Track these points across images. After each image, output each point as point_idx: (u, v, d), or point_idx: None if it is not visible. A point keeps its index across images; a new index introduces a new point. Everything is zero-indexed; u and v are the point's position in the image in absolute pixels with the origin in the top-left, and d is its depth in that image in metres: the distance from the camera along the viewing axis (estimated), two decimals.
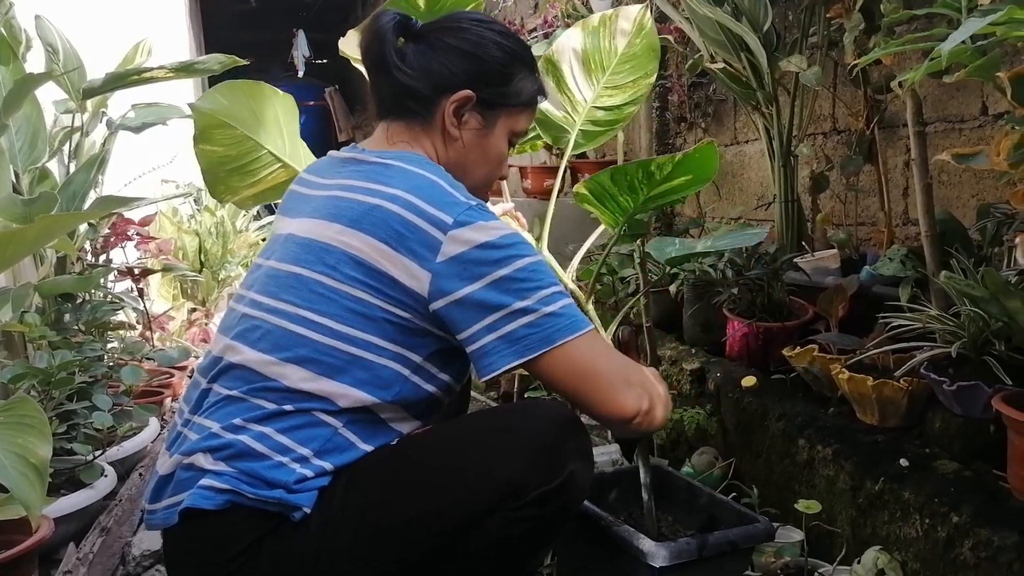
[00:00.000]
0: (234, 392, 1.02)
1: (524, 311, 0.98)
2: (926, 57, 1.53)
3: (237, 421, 0.99)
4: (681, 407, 1.90)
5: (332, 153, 1.20)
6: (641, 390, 1.01)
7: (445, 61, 1.12)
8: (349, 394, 1.00)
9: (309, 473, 0.98)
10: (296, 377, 1.00)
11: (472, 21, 1.17)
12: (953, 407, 1.30)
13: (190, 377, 2.60)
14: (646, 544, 1.17)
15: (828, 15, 1.89)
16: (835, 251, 1.82)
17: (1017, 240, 1.30)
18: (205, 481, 0.97)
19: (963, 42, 1.17)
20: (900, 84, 1.46)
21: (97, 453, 1.60)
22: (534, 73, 1.20)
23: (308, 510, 0.98)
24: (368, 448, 1.02)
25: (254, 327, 1.05)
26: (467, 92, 1.12)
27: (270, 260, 1.10)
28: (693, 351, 2.02)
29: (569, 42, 1.56)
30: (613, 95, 1.57)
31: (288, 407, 1.00)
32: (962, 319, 1.29)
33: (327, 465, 0.99)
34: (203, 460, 0.98)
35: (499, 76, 1.15)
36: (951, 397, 1.29)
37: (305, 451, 0.99)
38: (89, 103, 2.14)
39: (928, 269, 1.46)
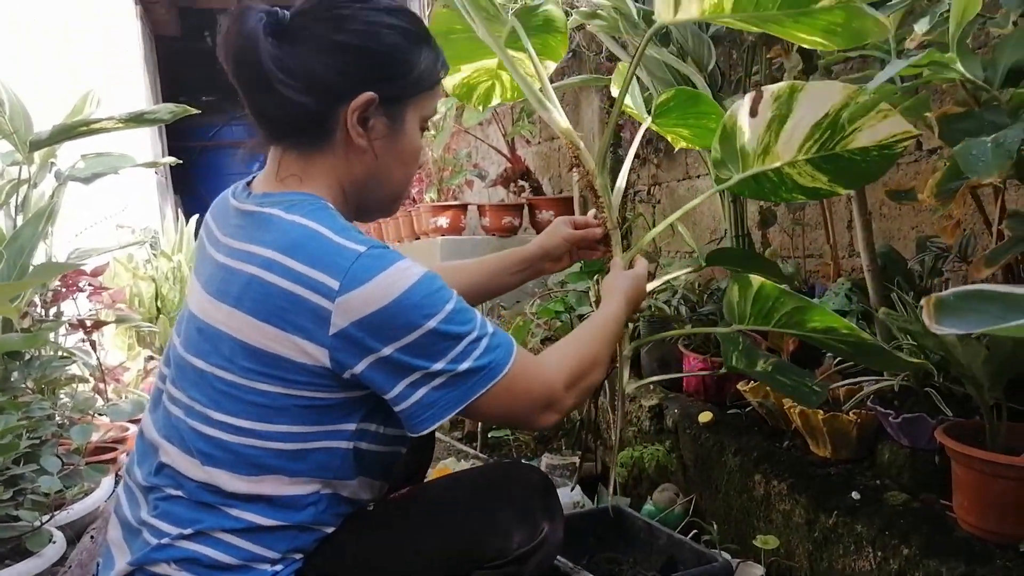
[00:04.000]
0: (178, 493, 0.95)
1: (436, 373, 0.91)
2: None
3: (193, 530, 0.93)
4: (641, 444, 1.92)
5: (228, 193, 1.06)
6: (558, 407, 1.02)
7: (334, 62, 0.95)
8: (291, 489, 0.94)
9: (280, 567, 0.95)
10: (228, 481, 0.93)
11: (353, 1, 0.98)
12: (900, 439, 1.33)
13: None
14: None
15: (769, 55, 1.95)
16: (784, 286, 1.85)
17: (948, 275, 1.35)
18: None
19: (892, 82, 1.22)
20: None
21: (45, 519, 1.55)
22: (433, 47, 1.04)
23: None
24: (335, 526, 1.00)
25: (174, 427, 0.97)
26: (368, 95, 0.96)
27: (179, 339, 1.01)
28: (651, 387, 2.04)
29: None
30: None
31: (235, 511, 0.93)
32: (904, 352, 1.33)
33: (296, 555, 0.97)
34: (165, 568, 0.93)
35: (400, 65, 0.99)
36: (897, 429, 1.32)
37: (272, 553, 0.95)
38: (37, 155, 2.11)
39: (872, 302, 1.50)
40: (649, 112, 1.49)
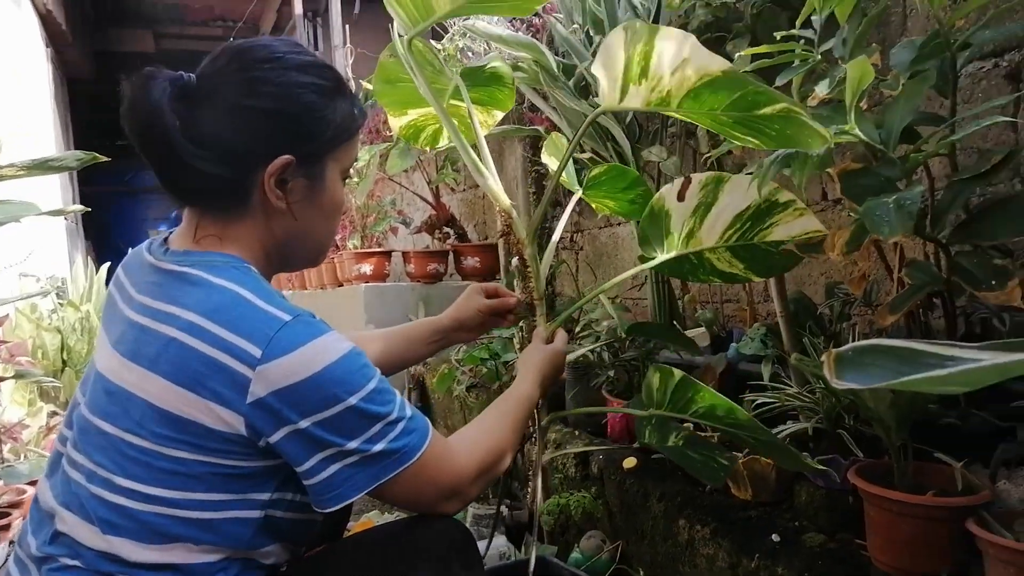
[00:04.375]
0: (75, 563, 0.89)
1: (350, 452, 0.89)
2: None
3: None
4: (568, 491, 1.91)
5: (143, 248, 1.02)
6: (463, 497, 1.02)
7: (247, 128, 0.92)
8: (200, 558, 0.90)
9: None
10: (132, 550, 0.87)
11: (263, 61, 0.94)
12: (816, 480, 1.37)
13: None
14: None
15: None
16: (703, 330, 1.90)
17: (856, 319, 1.41)
18: None
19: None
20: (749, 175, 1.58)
21: None
22: (349, 96, 1.01)
23: None
24: None
25: (74, 493, 0.91)
26: (285, 158, 0.93)
27: (83, 400, 0.96)
28: (577, 433, 2.04)
29: None
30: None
31: None
32: (816, 395, 1.37)
33: None
34: None
35: (317, 123, 0.96)
36: (812, 471, 1.35)
37: None
38: None
39: (785, 347, 1.55)
40: (581, 184, 1.55)
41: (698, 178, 1.30)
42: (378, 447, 0.90)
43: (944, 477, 1.17)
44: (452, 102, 1.47)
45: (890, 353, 0.47)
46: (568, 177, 1.58)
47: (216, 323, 0.87)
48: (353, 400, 0.88)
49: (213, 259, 0.94)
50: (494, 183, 1.33)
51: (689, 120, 1.14)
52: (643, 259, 1.38)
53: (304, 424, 0.87)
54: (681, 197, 1.31)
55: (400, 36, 1.31)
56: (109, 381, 0.92)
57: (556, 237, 1.49)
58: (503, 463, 1.09)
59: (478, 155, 1.33)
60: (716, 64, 1.00)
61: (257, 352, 0.85)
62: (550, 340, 1.33)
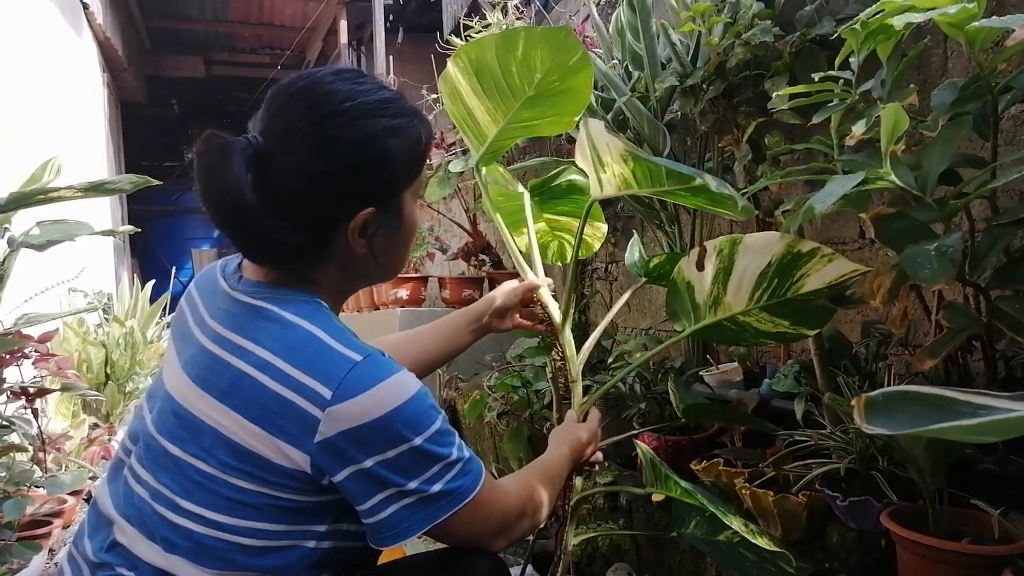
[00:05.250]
0: (133, 575, 0.91)
1: (409, 492, 0.90)
2: (807, 184, 1.67)
3: None
4: (595, 522, 1.90)
5: (217, 269, 1.03)
6: (509, 536, 1.04)
7: (327, 193, 0.90)
8: None
9: None
10: (189, 572, 0.89)
11: (336, 115, 0.89)
12: (848, 521, 1.35)
13: (86, 500, 2.45)
14: None
15: (720, 144, 2.04)
16: (736, 364, 1.89)
17: (892, 360, 1.39)
18: None
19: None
20: (784, 213, 1.58)
21: None
22: (417, 119, 0.97)
23: None
24: None
25: (136, 508, 0.93)
26: (367, 212, 0.93)
27: (150, 416, 0.98)
28: (606, 464, 2.03)
29: None
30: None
31: None
32: (850, 435, 1.36)
33: None
34: None
35: (393, 167, 0.94)
36: (845, 512, 1.33)
37: None
38: None
39: (819, 385, 1.54)
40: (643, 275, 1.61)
41: (712, 244, 1.32)
42: (436, 487, 0.91)
43: (980, 524, 1.15)
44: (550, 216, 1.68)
45: (921, 400, 0.48)
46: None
47: (289, 363, 0.87)
48: (418, 441, 0.89)
49: (288, 295, 0.94)
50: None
51: (651, 195, 1.28)
52: (676, 332, 1.41)
53: (368, 464, 0.88)
54: (700, 267, 1.33)
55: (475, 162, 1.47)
56: (179, 405, 0.94)
57: (596, 335, 1.49)
58: (542, 512, 1.11)
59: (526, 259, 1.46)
60: (624, 148, 1.19)
61: (328, 393, 0.86)
62: (583, 419, 1.37)
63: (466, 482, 0.94)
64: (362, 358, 0.89)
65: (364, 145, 0.91)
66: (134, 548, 0.92)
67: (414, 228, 1.03)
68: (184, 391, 0.94)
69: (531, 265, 1.46)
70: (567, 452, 1.26)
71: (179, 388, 0.95)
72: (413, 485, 0.90)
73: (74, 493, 2.30)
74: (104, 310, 3.84)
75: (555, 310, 1.39)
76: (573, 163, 2.58)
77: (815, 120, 1.35)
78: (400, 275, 3.67)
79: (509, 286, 1.46)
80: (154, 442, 0.95)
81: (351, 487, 0.89)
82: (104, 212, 5.89)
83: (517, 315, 1.50)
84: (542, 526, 1.14)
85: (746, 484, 1.50)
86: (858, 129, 1.23)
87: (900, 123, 1.05)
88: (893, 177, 1.10)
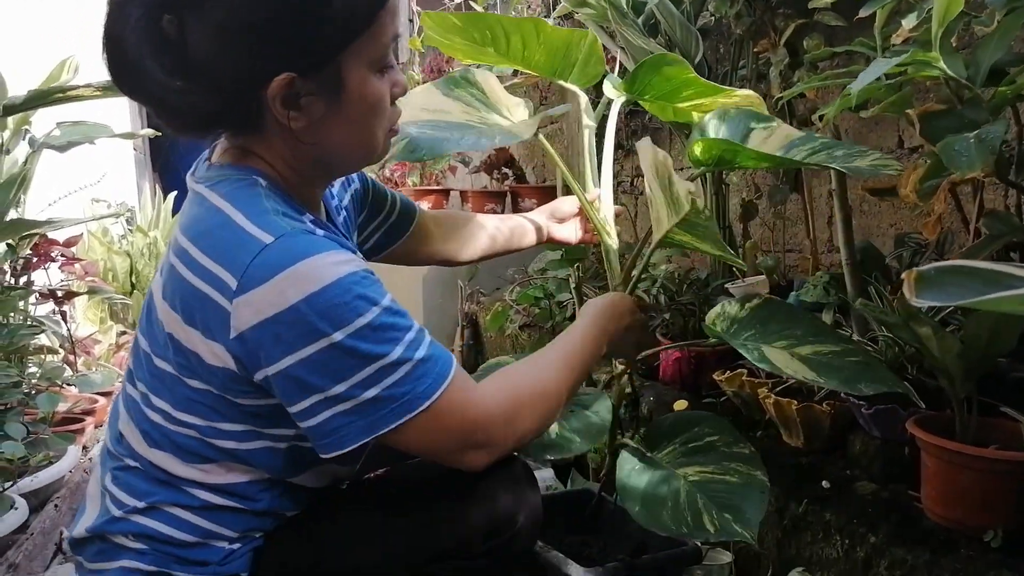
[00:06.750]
0: (136, 464, 0.91)
1: (338, 398, 0.79)
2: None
3: (146, 503, 0.89)
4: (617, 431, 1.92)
5: (198, 163, 0.95)
6: (491, 447, 0.89)
7: (231, 48, 0.77)
8: (240, 478, 0.90)
9: (238, 546, 0.93)
10: (173, 465, 0.88)
11: None
12: (872, 430, 1.35)
13: None
14: (574, 570, 1.18)
15: (756, 49, 1.96)
16: (764, 277, 1.86)
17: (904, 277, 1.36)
18: (128, 563, 0.89)
19: (877, 79, 1.23)
20: (820, 118, 1.52)
21: (7, 485, 1.53)
22: None
23: (245, 574, 0.93)
24: (296, 510, 0.97)
25: (132, 401, 0.92)
26: (284, 76, 0.78)
27: (142, 316, 0.94)
28: (627, 374, 2.04)
29: None
30: None
31: (190, 489, 0.89)
32: (879, 344, 1.34)
33: (256, 534, 0.95)
34: (123, 540, 0.90)
35: (313, 25, 0.78)
36: (869, 420, 1.33)
37: (229, 532, 0.91)
38: (11, 120, 2.06)
39: (849, 296, 1.51)
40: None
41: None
42: (371, 393, 0.79)
43: (1008, 433, 1.14)
44: None
45: (974, 274, 0.45)
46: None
47: (200, 249, 0.80)
48: (338, 336, 0.77)
49: (223, 172, 0.86)
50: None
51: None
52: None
53: (286, 363, 0.77)
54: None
55: None
56: (151, 301, 0.90)
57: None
58: (544, 407, 0.93)
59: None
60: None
61: (233, 283, 0.76)
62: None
63: (416, 387, 0.80)
64: (274, 239, 0.77)
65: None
66: (131, 440, 0.92)
67: (373, 103, 0.86)
68: (153, 288, 0.90)
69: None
70: (596, 323, 1.05)
71: (155, 287, 0.91)
72: (340, 389, 0.78)
73: (105, 394, 2.36)
74: (127, 220, 3.86)
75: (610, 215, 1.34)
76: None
77: (862, 13, 1.28)
78: (421, 188, 3.65)
79: (571, 200, 1.45)
80: (137, 339, 0.93)
81: (276, 389, 0.80)
82: (124, 120, 5.85)
83: (573, 228, 1.47)
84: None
85: (769, 393, 1.50)
86: (908, 23, 1.16)
87: (954, 5, 0.98)
88: (942, 64, 1.03)
